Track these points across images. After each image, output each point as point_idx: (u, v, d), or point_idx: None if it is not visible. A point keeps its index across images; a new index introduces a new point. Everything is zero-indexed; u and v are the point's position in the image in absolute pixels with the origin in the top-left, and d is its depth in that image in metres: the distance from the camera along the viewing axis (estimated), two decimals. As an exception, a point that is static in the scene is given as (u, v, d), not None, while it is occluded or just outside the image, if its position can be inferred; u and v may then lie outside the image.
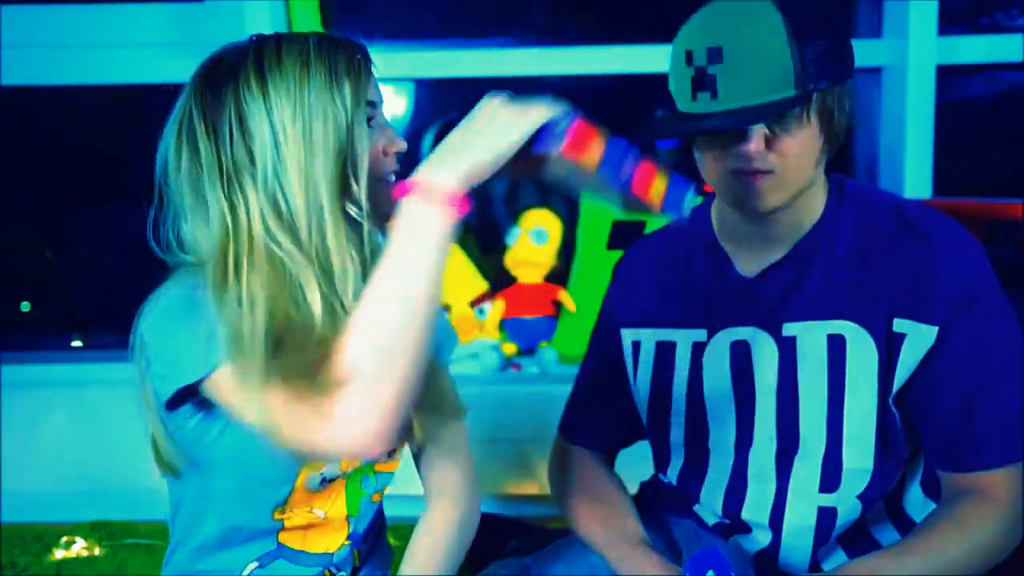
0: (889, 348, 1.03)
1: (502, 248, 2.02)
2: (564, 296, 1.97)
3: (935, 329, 1.01)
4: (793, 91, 0.95)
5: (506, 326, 1.99)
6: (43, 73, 2.01)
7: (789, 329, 1.07)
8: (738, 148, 0.98)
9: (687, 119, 1.00)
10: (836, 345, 1.04)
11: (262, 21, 1.89)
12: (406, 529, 1.12)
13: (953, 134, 2.01)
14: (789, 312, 1.07)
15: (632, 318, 1.20)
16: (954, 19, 2.02)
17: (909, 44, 1.85)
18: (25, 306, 2.31)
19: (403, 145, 0.97)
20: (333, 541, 1.05)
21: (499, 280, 2.03)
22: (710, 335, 1.12)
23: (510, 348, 1.97)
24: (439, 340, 1.05)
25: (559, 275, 2.03)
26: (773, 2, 0.96)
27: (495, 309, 1.95)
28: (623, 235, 1.93)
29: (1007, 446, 1.02)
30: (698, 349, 1.13)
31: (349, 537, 1.06)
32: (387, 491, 1.11)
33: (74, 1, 2.02)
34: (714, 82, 0.97)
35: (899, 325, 1.02)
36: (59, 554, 1.86)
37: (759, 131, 0.97)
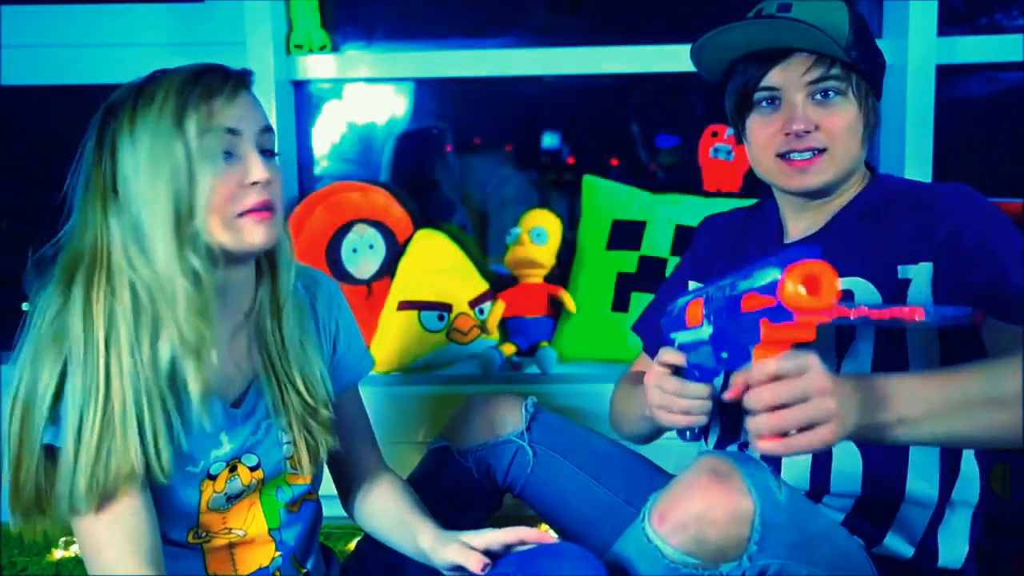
0: (897, 292, 1.10)
1: (502, 248, 2.02)
2: (564, 296, 1.96)
3: (930, 264, 1.07)
4: (841, 53, 1.08)
5: (506, 326, 1.99)
6: (43, 73, 2.01)
7: None
8: (790, 112, 1.11)
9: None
10: (846, 299, 1.12)
11: (262, 21, 1.89)
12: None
13: (953, 134, 2.01)
14: None
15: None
16: (954, 19, 2.02)
17: (909, 44, 1.85)
18: (25, 306, 2.31)
19: (262, 175, 0.96)
20: (264, 555, 1.07)
21: (499, 280, 2.02)
22: None
23: (510, 348, 1.97)
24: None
25: (559, 275, 2.03)
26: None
27: (495, 309, 1.95)
28: (623, 235, 1.93)
29: None
30: None
31: (278, 548, 1.07)
32: (314, 497, 1.14)
33: (74, 1, 2.02)
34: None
35: (903, 272, 1.10)
36: (58, 554, 1.86)
37: (804, 101, 1.10)
